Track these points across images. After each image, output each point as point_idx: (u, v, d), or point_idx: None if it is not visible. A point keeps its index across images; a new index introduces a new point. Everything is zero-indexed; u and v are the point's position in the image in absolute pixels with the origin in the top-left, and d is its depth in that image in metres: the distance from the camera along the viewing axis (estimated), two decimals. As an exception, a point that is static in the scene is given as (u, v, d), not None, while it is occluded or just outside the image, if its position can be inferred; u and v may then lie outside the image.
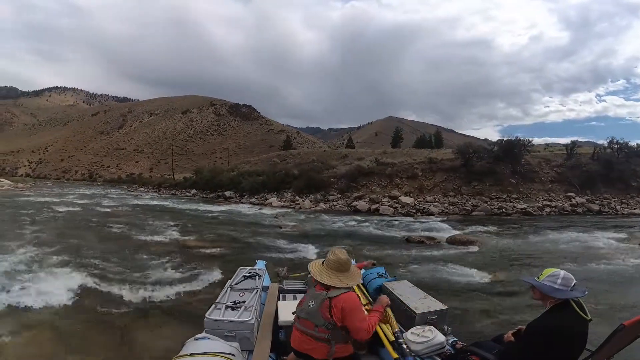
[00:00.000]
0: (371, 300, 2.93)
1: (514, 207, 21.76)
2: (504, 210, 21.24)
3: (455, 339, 2.57)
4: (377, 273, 3.47)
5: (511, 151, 27.36)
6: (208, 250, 8.67)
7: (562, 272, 1.97)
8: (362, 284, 3.25)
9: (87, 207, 19.90)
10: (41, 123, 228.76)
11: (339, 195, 27.27)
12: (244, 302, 2.67)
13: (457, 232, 12.65)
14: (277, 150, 77.66)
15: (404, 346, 2.19)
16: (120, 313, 4.68)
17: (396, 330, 2.29)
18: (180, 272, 6.82)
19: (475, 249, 10.06)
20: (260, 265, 3.99)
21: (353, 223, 15.71)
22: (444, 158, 30.67)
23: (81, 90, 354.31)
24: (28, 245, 8.69)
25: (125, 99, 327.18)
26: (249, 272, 3.26)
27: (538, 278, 2.04)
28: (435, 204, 23.16)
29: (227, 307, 2.60)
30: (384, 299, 2.42)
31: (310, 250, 8.89)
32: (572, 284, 1.92)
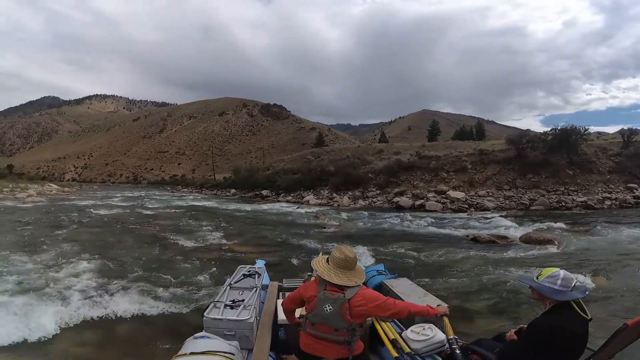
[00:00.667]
0: None
1: (573, 200, 20.13)
2: (563, 203, 19.60)
3: (455, 337, 2.41)
4: (377, 270, 3.46)
5: (567, 140, 24.94)
6: (252, 255, 7.80)
7: (562, 273, 1.91)
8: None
9: (130, 209, 19.86)
10: (84, 130, 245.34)
11: (378, 191, 26.19)
12: (243, 300, 2.62)
13: (528, 230, 11.26)
14: (310, 148, 77.67)
15: (404, 344, 2.19)
16: (120, 313, 4.56)
17: (451, 337, 2.19)
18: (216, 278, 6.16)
19: (554, 249, 8.69)
20: (260, 264, 3.97)
21: (400, 221, 14.67)
22: (495, 149, 28.42)
23: (120, 97, 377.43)
24: (63, 246, 8.65)
25: (164, 104, 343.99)
26: (249, 271, 3.21)
27: (537, 278, 1.98)
28: (489, 198, 21.37)
29: (226, 305, 2.55)
30: (444, 308, 2.33)
31: (364, 255, 7.83)
32: (573, 284, 1.87)
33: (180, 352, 1.99)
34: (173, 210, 19.47)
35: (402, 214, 17.10)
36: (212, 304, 2.59)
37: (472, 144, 37.85)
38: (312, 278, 2.35)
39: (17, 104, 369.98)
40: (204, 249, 8.96)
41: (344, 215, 17.22)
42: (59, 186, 46.87)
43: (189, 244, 9.59)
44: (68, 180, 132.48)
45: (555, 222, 12.69)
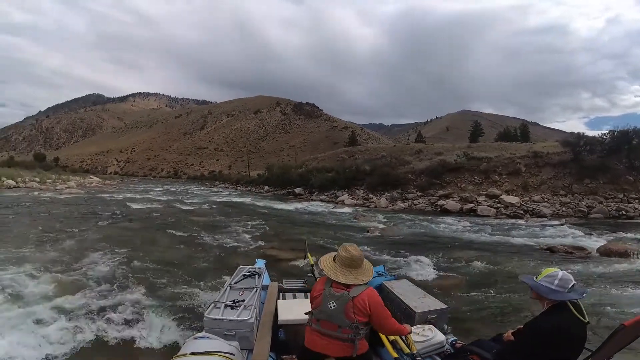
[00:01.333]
0: None
1: (635, 208, 18.23)
2: (623, 212, 17.75)
3: (454, 338, 2.49)
4: (377, 272, 3.40)
5: (627, 143, 22.53)
6: (292, 263, 7.08)
7: (561, 273, 1.90)
8: None
9: (166, 203, 19.46)
10: (128, 126, 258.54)
11: (419, 193, 24.78)
12: (244, 301, 2.61)
13: (599, 240, 10.03)
14: (342, 147, 76.79)
15: (404, 345, 2.19)
16: (121, 313, 4.49)
17: (415, 352, 2.14)
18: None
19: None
20: (260, 264, 3.91)
21: (452, 226, 13.58)
22: (550, 152, 26.07)
23: (163, 94, 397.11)
24: (85, 238, 8.49)
25: (204, 102, 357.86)
26: (249, 271, 3.20)
27: (536, 278, 1.98)
28: (545, 204, 19.65)
29: (226, 306, 2.54)
30: (409, 327, 2.22)
31: (422, 265, 6.85)
32: (570, 285, 1.85)
33: (180, 352, 1.96)
34: (209, 206, 19.14)
35: (452, 218, 15.90)
36: (213, 304, 2.56)
37: (523, 145, 35.16)
38: (318, 278, 2.43)
39: (63, 101, 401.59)
40: (238, 252, 8.32)
41: (381, 217, 16.19)
42: (100, 179, 49.26)
43: (220, 243, 9.09)
44: (110, 173, 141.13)
45: (625, 233, 11.49)
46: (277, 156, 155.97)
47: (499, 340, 2.27)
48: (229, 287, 2.88)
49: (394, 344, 2.27)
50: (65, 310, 4.34)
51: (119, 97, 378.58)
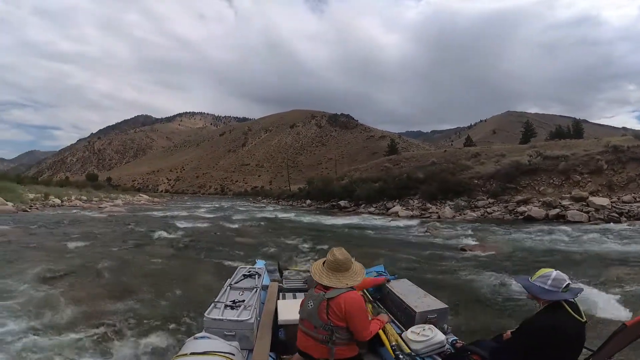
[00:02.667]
0: (371, 299, 2.96)
1: None
2: None
3: (455, 337, 2.46)
4: (377, 272, 3.46)
5: None
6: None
7: (555, 273, 1.87)
8: None
9: (213, 222, 17.74)
10: (176, 145, 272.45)
11: (490, 200, 21.47)
12: (244, 301, 2.60)
13: None
14: (382, 157, 74.21)
15: (404, 345, 2.20)
16: (121, 313, 4.41)
17: (394, 343, 2.21)
18: None
19: None
20: (260, 264, 3.90)
21: (557, 236, 11.16)
22: (630, 145, 21.95)
23: (207, 113, 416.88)
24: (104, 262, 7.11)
25: (244, 119, 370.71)
26: (249, 271, 3.19)
27: (531, 278, 1.96)
28: (638, 204, 16.44)
29: (226, 306, 2.53)
30: (384, 317, 2.32)
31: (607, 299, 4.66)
32: (564, 285, 1.82)
33: (180, 352, 1.95)
34: (255, 224, 17.48)
35: (540, 226, 13.69)
36: (213, 304, 2.54)
37: (593, 141, 30.47)
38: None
39: (113, 123, 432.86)
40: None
41: (460, 229, 13.27)
42: (149, 197, 50.49)
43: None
44: (161, 191, 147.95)
45: None
46: (315, 169, 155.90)
47: (499, 340, 2.21)
48: (229, 287, 2.84)
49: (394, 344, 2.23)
50: (65, 317, 4.21)
51: (166, 118, 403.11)
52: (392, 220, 18.17)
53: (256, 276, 3.11)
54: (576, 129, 54.52)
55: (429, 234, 12.36)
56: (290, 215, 22.84)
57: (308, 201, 42.64)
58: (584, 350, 1.86)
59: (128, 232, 12.44)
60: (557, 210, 16.97)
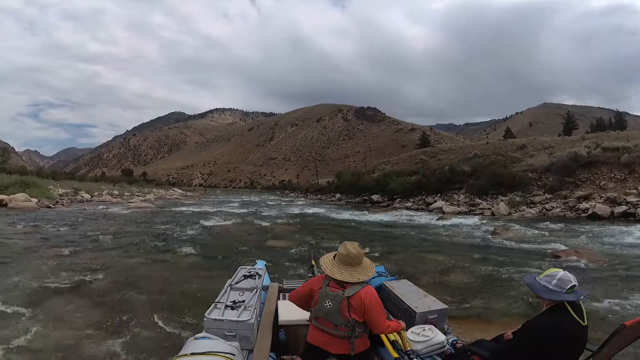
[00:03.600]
0: None
1: None
2: None
3: (455, 338, 2.44)
4: (377, 272, 3.36)
5: None
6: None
7: (561, 273, 1.81)
8: None
9: (243, 218, 16.47)
10: (209, 141, 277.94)
11: (547, 196, 18.99)
12: (244, 301, 2.56)
13: None
14: (413, 149, 71.46)
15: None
16: (121, 313, 4.34)
17: (409, 349, 2.12)
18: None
19: None
20: (260, 264, 3.80)
21: None
22: None
23: (236, 109, 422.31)
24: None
25: (270, 114, 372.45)
26: (249, 272, 3.14)
27: (538, 277, 1.91)
28: None
29: (226, 306, 2.49)
30: (403, 324, 2.22)
31: None
32: (569, 286, 1.76)
33: (180, 353, 1.95)
34: (287, 220, 15.98)
35: (616, 226, 11.63)
36: (213, 305, 2.51)
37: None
38: (318, 274, 2.52)
39: (148, 120, 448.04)
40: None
41: (527, 230, 11.12)
42: (183, 191, 50.72)
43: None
44: (195, 185, 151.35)
45: None
46: (342, 163, 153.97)
47: (500, 340, 2.17)
48: (229, 288, 2.80)
49: (394, 344, 2.19)
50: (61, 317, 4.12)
51: (198, 114, 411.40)
52: (439, 217, 16.08)
53: (257, 276, 3.07)
54: (618, 120, 53.68)
55: (497, 235, 10.31)
56: (321, 210, 21.32)
57: (337, 195, 41.17)
58: (584, 350, 1.83)
59: (144, 231, 11.21)
60: (624, 207, 14.82)
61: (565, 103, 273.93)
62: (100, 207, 18.48)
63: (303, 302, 2.18)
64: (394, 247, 9.10)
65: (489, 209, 18.67)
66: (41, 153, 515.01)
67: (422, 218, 16.23)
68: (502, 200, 19.19)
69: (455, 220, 14.66)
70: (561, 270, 1.85)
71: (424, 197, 24.23)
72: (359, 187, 36.91)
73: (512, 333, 2.06)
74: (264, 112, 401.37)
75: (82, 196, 22.86)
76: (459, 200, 21.38)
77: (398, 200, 26.30)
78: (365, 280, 2.00)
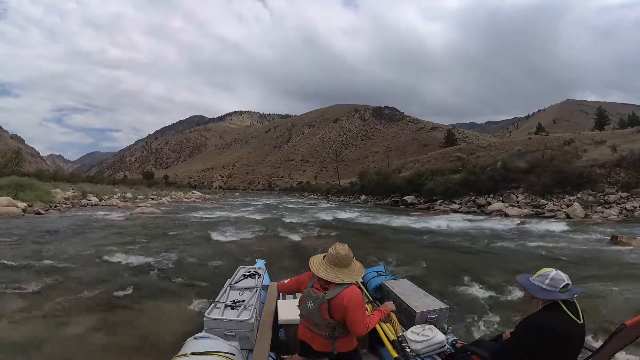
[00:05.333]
0: (371, 299, 2.85)
1: None
2: None
3: (455, 338, 2.43)
4: (377, 272, 3.38)
5: None
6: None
7: (553, 273, 1.81)
8: (362, 283, 3.18)
9: (265, 227, 12.98)
10: (228, 143, 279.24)
11: (622, 194, 16.02)
12: (244, 301, 2.56)
13: None
14: (438, 148, 68.18)
15: (404, 345, 2.18)
16: (120, 314, 4.20)
17: (400, 334, 2.16)
18: None
19: None
20: (260, 264, 3.81)
21: None
22: None
23: (254, 112, 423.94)
24: None
25: (287, 115, 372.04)
26: (249, 271, 3.13)
27: (531, 277, 1.91)
28: None
29: (226, 306, 2.49)
30: (390, 305, 2.27)
31: None
32: (562, 285, 1.76)
33: (180, 352, 1.93)
34: (317, 230, 12.48)
35: None
36: (213, 304, 2.51)
37: None
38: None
39: (169, 124, 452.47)
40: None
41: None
42: (202, 193, 49.23)
43: None
44: (215, 188, 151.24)
45: None
46: (361, 163, 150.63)
47: (499, 340, 2.18)
48: (229, 287, 2.78)
49: (394, 343, 2.17)
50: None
51: (218, 117, 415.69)
52: (519, 223, 13.03)
53: (256, 276, 3.02)
54: None
55: (622, 244, 7.64)
56: (352, 215, 18.46)
57: (363, 196, 38.69)
58: (584, 350, 1.83)
59: (128, 249, 7.84)
60: None
61: (587, 99, 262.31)
62: (101, 213, 15.82)
63: (286, 292, 2.40)
64: (492, 269, 6.40)
65: (559, 210, 15.82)
66: (65, 157, 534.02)
67: (484, 222, 13.47)
68: (573, 200, 16.20)
69: (536, 226, 11.84)
70: (554, 269, 1.84)
71: (472, 197, 21.26)
72: (387, 187, 34.23)
73: (510, 333, 2.07)
74: (280, 114, 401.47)
75: (89, 200, 21.32)
76: (518, 201, 18.38)
77: (439, 201, 23.41)
78: (349, 282, 1.94)
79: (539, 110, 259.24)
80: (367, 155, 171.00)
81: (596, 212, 15.04)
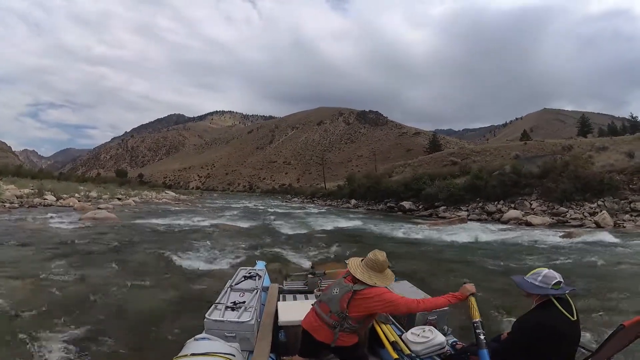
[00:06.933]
0: None
1: None
2: None
3: (455, 339, 2.46)
4: None
5: None
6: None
7: (546, 271, 1.89)
8: None
9: (254, 242, 9.92)
10: (207, 143, 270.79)
11: None
12: (244, 302, 2.56)
13: None
14: (422, 154, 67.97)
15: (404, 346, 2.21)
16: (121, 312, 4.16)
17: (475, 320, 1.96)
18: None
19: None
20: (260, 265, 3.81)
21: None
22: None
23: (236, 112, 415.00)
24: None
25: (270, 117, 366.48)
26: (249, 273, 3.12)
27: (525, 276, 1.97)
28: None
29: (227, 307, 2.49)
30: (470, 287, 2.11)
31: None
32: (554, 282, 1.81)
33: (181, 354, 1.92)
34: (322, 247, 9.54)
35: None
36: (213, 306, 2.51)
37: None
38: (319, 279, 2.97)
39: (147, 122, 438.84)
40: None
41: None
42: (176, 194, 45.66)
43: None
44: (192, 188, 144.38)
45: None
46: (345, 167, 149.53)
47: (498, 341, 2.18)
48: (229, 289, 2.78)
49: (394, 344, 2.20)
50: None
51: (198, 117, 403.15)
52: (563, 235, 10.94)
53: (257, 277, 3.02)
54: (633, 124, 52.18)
55: None
56: (352, 224, 15.99)
57: (353, 201, 36.67)
58: (583, 350, 1.87)
59: None
60: None
61: (565, 108, 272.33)
62: (49, 215, 12.59)
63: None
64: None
65: (583, 218, 14.23)
66: (39, 153, 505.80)
67: (518, 234, 11.46)
68: (594, 208, 14.83)
69: (584, 237, 9.87)
70: (546, 268, 1.89)
71: (480, 204, 19.51)
72: (380, 192, 32.36)
73: (507, 333, 2.10)
74: (263, 116, 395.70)
75: (45, 199, 18.28)
76: (532, 209, 16.74)
77: (442, 207, 21.56)
78: (381, 286, 2.03)
79: (517, 119, 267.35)
80: (351, 159, 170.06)
81: (625, 220, 13.56)
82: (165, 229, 12.22)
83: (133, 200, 24.73)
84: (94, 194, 24.54)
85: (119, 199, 24.49)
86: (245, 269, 3.21)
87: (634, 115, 55.00)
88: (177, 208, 23.41)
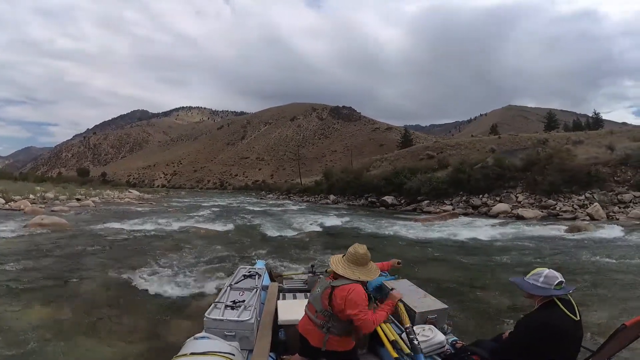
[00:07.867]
0: (372, 298, 2.69)
1: None
2: None
3: (455, 338, 2.41)
4: None
5: None
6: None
7: (547, 271, 1.87)
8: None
9: (232, 241, 9.49)
10: (173, 139, 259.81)
11: (636, 193, 15.03)
12: (244, 301, 2.53)
13: None
14: (395, 149, 68.71)
15: (412, 337, 2.16)
16: (120, 313, 4.09)
17: (407, 326, 2.04)
18: None
19: None
20: (260, 264, 3.83)
21: None
22: None
23: (204, 108, 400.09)
24: None
25: (242, 113, 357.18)
26: (249, 272, 3.10)
27: (526, 277, 1.95)
28: None
29: (226, 306, 2.46)
30: (397, 293, 2.21)
31: None
32: (556, 283, 1.80)
33: (180, 353, 1.91)
34: (316, 244, 9.25)
35: None
36: (213, 305, 2.48)
37: None
38: (319, 279, 2.55)
39: (110, 118, 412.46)
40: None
41: None
42: (140, 193, 42.44)
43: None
44: (157, 186, 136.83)
45: None
46: (319, 162, 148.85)
47: (499, 340, 2.16)
48: (229, 288, 2.76)
49: (394, 344, 2.11)
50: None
51: (163, 112, 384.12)
52: (566, 229, 10.35)
53: (256, 276, 3.00)
54: (595, 121, 54.55)
55: None
56: (341, 221, 14.98)
57: (332, 196, 35.70)
58: (584, 350, 1.85)
59: None
60: None
61: (528, 105, 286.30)
62: None
63: None
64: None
65: (574, 210, 14.00)
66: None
67: (512, 228, 10.82)
68: (582, 200, 14.72)
69: (590, 233, 9.34)
70: (546, 268, 1.87)
71: (463, 197, 19.10)
72: (360, 187, 31.63)
73: (509, 333, 2.07)
74: (234, 112, 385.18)
75: None
76: (519, 201, 16.46)
77: (426, 202, 21.03)
78: (365, 280, 2.00)
79: (481, 115, 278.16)
80: (325, 154, 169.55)
81: (615, 212, 13.50)
82: (126, 235, 10.27)
83: (92, 201, 22.18)
84: (50, 195, 21.89)
85: (78, 200, 21.92)
86: (245, 268, 3.19)
87: (597, 112, 58.12)
88: (140, 209, 21.07)
